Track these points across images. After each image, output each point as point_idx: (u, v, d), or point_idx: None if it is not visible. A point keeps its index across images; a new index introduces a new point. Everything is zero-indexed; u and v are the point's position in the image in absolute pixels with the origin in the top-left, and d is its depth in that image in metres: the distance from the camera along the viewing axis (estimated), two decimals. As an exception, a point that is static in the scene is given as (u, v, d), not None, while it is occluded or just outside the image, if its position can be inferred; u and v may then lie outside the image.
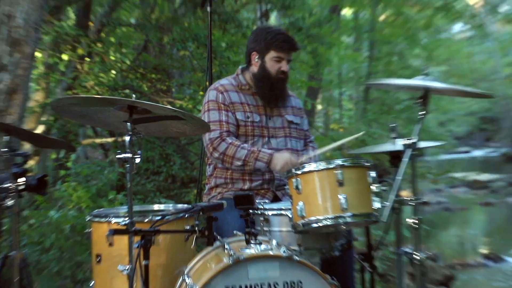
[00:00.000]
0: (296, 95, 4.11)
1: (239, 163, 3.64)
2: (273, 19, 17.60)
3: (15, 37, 4.19)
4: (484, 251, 9.64)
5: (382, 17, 15.92)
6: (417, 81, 3.10)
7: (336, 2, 11.98)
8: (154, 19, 8.08)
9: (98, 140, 8.89)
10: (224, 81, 3.90)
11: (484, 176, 19.08)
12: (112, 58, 8.23)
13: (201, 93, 8.32)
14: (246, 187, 3.70)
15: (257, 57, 3.81)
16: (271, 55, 3.75)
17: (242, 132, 3.73)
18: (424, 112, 3.10)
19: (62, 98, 2.88)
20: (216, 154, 3.66)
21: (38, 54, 6.83)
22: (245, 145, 3.68)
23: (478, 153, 29.32)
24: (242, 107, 3.77)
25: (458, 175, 14.23)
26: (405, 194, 3.24)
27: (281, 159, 3.57)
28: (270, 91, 3.77)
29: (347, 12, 16.72)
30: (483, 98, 3.57)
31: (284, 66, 3.76)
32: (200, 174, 4.93)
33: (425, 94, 3.11)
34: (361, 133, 3.91)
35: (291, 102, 3.97)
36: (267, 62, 3.77)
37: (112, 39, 8.93)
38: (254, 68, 3.83)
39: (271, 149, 3.72)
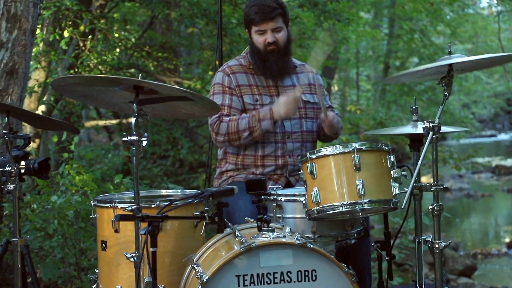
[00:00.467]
0: (315, 71, 4.03)
1: (245, 133, 3.64)
2: (287, -6, 17.53)
3: (13, 12, 4.20)
4: (507, 240, 9.63)
5: (403, -9, 15.79)
6: (439, 63, 3.08)
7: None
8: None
9: (101, 122, 8.93)
10: (232, 61, 3.90)
11: (509, 162, 19.02)
12: (116, 35, 8.23)
13: (210, 72, 8.33)
14: (258, 172, 3.72)
15: (248, 34, 3.86)
16: (253, 30, 3.78)
17: None
18: (447, 93, 3.09)
19: (64, 77, 2.90)
20: (220, 138, 3.68)
21: (37, 31, 6.85)
22: (244, 114, 3.69)
23: (503, 137, 29.17)
24: (250, 90, 3.77)
25: (481, 160, 14.18)
26: (426, 179, 3.25)
27: (280, 104, 3.60)
28: (263, 66, 3.77)
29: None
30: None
31: (269, 37, 3.73)
32: (209, 159, 4.96)
33: (449, 73, 3.10)
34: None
35: (308, 79, 3.92)
36: (253, 37, 3.79)
37: (116, 15, 8.95)
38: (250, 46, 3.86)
39: (284, 132, 3.73)
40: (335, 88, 18.64)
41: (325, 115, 3.68)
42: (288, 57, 3.84)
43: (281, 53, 3.78)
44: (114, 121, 9.45)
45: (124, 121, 9.25)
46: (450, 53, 3.16)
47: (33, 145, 6.80)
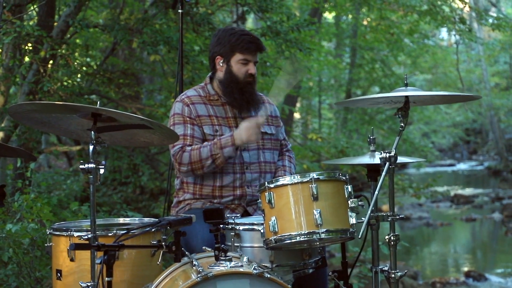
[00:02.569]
0: (272, 102, 4.09)
1: (208, 162, 3.63)
2: (250, 22, 17.67)
3: (-28, 38, 4.16)
4: (466, 269, 9.75)
5: (365, 22, 16.04)
6: (395, 93, 3.14)
7: (317, 5, 12.05)
8: (123, 20, 8.06)
9: (60, 148, 8.83)
10: (191, 92, 3.87)
11: (467, 191, 19.33)
12: (78, 61, 8.19)
13: (172, 99, 8.31)
14: (215, 201, 3.71)
15: (221, 61, 3.79)
16: (236, 58, 3.74)
17: None
18: (403, 124, 3.15)
19: (21, 104, 2.88)
20: (184, 168, 3.66)
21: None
22: (205, 142, 3.69)
23: (462, 166, 29.65)
24: (210, 120, 3.76)
25: (441, 189, 14.39)
26: (386, 208, 3.29)
27: (242, 130, 3.60)
28: (240, 97, 3.75)
29: (328, 15, 16.84)
30: (469, 100, 3.63)
31: (251, 68, 3.74)
32: (168, 186, 4.94)
33: (405, 105, 3.16)
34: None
35: (266, 110, 3.94)
36: (233, 65, 3.75)
37: (78, 41, 8.90)
38: (220, 74, 3.81)
39: (243, 162, 3.74)
40: (296, 116, 18.77)
41: None
42: (256, 90, 3.87)
43: (255, 86, 3.82)
44: (76, 147, 9.35)
45: (86, 147, 9.16)
46: (406, 85, 3.22)
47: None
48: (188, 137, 3.71)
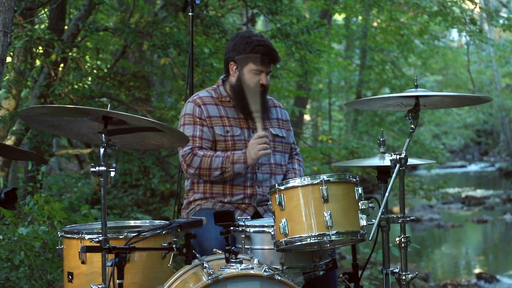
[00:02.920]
0: (282, 106, 4.10)
1: (217, 172, 3.65)
2: (260, 24, 17.68)
3: (-17, 42, 4.18)
4: (477, 270, 9.71)
5: (374, 23, 16.01)
6: (405, 93, 3.14)
7: (327, 7, 12.05)
8: (133, 23, 8.09)
9: (71, 151, 8.87)
10: (203, 93, 3.89)
11: (478, 192, 19.25)
12: (88, 64, 8.22)
13: (182, 102, 8.34)
14: (226, 200, 3.72)
15: (234, 67, 3.79)
16: (249, 67, 3.73)
17: (222, 147, 3.74)
18: (413, 126, 3.15)
19: (32, 107, 2.90)
20: (191, 171, 3.67)
21: (8, 59, 6.82)
22: (218, 152, 3.69)
23: (473, 167, 29.53)
24: (221, 121, 3.77)
25: (452, 190, 14.34)
26: (397, 210, 3.28)
27: (249, 149, 3.61)
28: (249, 105, 3.72)
29: (338, 17, 16.84)
30: (479, 103, 3.62)
31: (263, 79, 3.73)
32: (179, 188, 4.95)
33: (415, 107, 3.16)
34: None
35: (277, 113, 3.96)
36: (245, 74, 3.74)
37: (89, 44, 8.94)
38: (232, 79, 3.81)
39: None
40: (307, 118, 18.77)
41: None
42: (266, 98, 3.87)
43: (265, 95, 3.82)
44: (86, 150, 9.39)
45: (96, 150, 9.19)
46: (416, 86, 3.21)
47: (0, 174, 6.72)
48: (197, 139, 3.71)
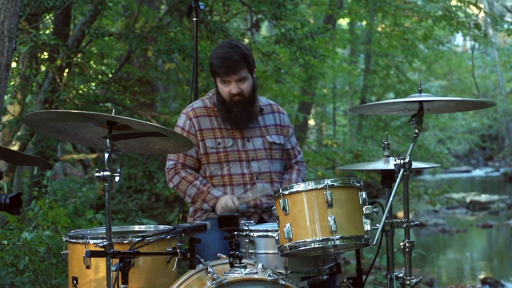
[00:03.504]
0: (284, 110, 4.06)
1: (189, 199, 3.78)
2: (264, 30, 17.70)
3: (-12, 47, 4.19)
4: (482, 276, 9.68)
5: (379, 28, 16.00)
6: (408, 99, 3.14)
7: (331, 12, 12.04)
8: (138, 29, 8.11)
9: (76, 156, 8.88)
10: (197, 103, 3.88)
11: (483, 197, 19.20)
12: (93, 69, 8.24)
13: (186, 107, 8.34)
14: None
15: (214, 80, 3.85)
16: (218, 79, 3.76)
17: (214, 160, 3.75)
18: (417, 131, 3.14)
19: (36, 112, 2.91)
20: (171, 185, 3.81)
21: (13, 65, 6.84)
22: (197, 181, 3.73)
23: (478, 172, 29.45)
24: (213, 133, 3.77)
25: (456, 195, 14.32)
26: (402, 214, 3.28)
27: (220, 203, 3.66)
28: (227, 115, 3.75)
29: (342, 22, 16.83)
30: (483, 107, 3.62)
31: (233, 88, 3.70)
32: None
33: (419, 111, 3.15)
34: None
35: (275, 119, 3.93)
36: (219, 86, 3.77)
37: (94, 49, 8.96)
38: (217, 91, 3.84)
39: (252, 173, 3.75)
40: (311, 123, 18.77)
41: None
42: (252, 106, 3.82)
43: (246, 103, 3.76)
44: (91, 155, 9.41)
45: (101, 155, 9.21)
46: (420, 91, 3.21)
47: (6, 179, 6.73)
48: (181, 155, 3.78)
